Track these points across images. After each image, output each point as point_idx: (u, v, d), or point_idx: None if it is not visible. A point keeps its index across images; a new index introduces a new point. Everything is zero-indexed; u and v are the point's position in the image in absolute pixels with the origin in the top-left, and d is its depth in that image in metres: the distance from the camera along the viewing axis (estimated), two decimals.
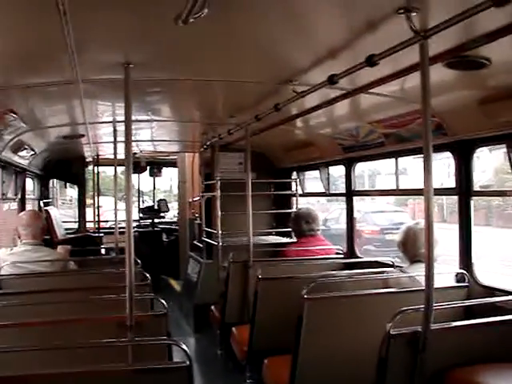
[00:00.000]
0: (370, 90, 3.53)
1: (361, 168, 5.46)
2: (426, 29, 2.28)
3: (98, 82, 3.58)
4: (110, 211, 12.58)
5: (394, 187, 5.05)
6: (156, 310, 3.83)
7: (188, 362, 2.34)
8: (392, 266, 4.80)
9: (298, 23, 2.57)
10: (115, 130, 5.45)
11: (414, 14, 2.21)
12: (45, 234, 5.32)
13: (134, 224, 11.14)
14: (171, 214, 13.62)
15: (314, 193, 7.46)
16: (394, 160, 5.01)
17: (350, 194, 5.74)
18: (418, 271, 3.82)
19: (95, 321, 3.32)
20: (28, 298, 3.99)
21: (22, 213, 5.66)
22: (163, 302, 3.34)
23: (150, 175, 12.04)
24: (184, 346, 2.42)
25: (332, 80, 3.10)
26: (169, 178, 17.52)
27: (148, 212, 11.82)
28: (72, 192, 16.40)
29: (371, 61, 2.64)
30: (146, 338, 2.90)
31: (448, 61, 2.81)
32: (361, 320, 3.55)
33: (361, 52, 2.69)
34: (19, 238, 5.32)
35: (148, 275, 4.13)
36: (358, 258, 5.75)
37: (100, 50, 2.85)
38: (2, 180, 5.51)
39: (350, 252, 5.82)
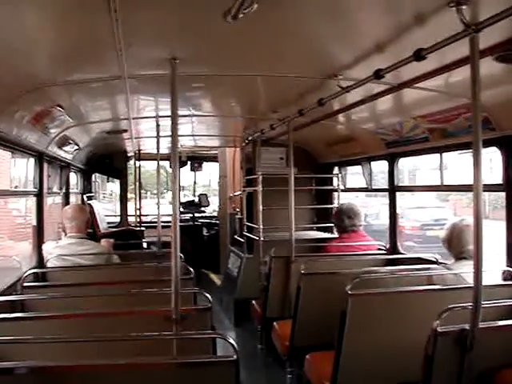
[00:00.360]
0: (416, 85, 3.48)
1: (400, 163, 5.41)
2: (476, 22, 2.23)
3: (144, 77, 3.62)
4: (147, 205, 12.73)
5: (439, 183, 4.97)
6: (199, 303, 3.87)
7: (235, 356, 2.35)
8: (436, 262, 4.74)
9: (345, 18, 2.55)
10: (158, 125, 5.50)
11: (465, 6, 2.17)
12: (89, 227, 5.41)
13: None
14: (210, 209, 13.69)
15: (356, 188, 7.40)
16: (434, 155, 4.95)
17: (392, 189, 5.68)
18: (464, 268, 3.76)
19: (139, 314, 3.36)
20: (73, 290, 4.07)
21: (67, 206, 5.76)
22: (208, 295, 3.36)
23: (191, 170, 12.10)
24: (231, 340, 2.43)
25: (378, 74, 3.07)
26: (208, 172, 17.59)
27: (189, 206, 11.88)
28: (112, 186, 16.59)
29: (419, 55, 2.60)
30: (192, 331, 2.92)
31: (498, 54, 2.75)
32: (405, 316, 3.51)
33: (408, 46, 2.66)
34: (64, 231, 5.42)
35: (191, 269, 4.16)
36: (400, 254, 5.69)
37: (147, 46, 2.88)
38: (47, 174, 5.60)
39: (393, 248, 5.76)
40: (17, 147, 4.39)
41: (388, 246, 5.81)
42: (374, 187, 6.49)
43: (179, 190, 13.23)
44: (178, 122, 3.13)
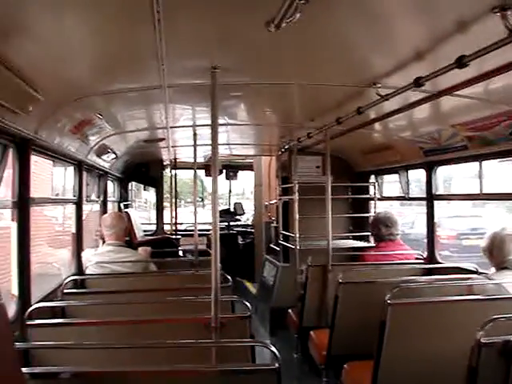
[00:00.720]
0: (455, 92, 3.44)
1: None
2: None
3: (183, 86, 3.66)
4: (180, 214, 12.80)
5: (478, 191, 4.90)
6: (236, 311, 3.88)
7: (277, 365, 2.35)
8: (475, 272, 4.67)
9: (384, 26, 2.55)
10: (195, 134, 5.54)
11: (510, 12, 2.14)
12: (127, 235, 5.46)
13: (210, 227, 11.29)
14: (245, 217, 13.71)
15: (393, 197, 7.34)
16: (472, 163, 4.90)
17: (430, 198, 5.62)
18: (506, 278, 3.70)
19: (178, 321, 3.38)
20: (111, 297, 4.12)
21: (106, 214, 5.84)
22: (247, 304, 3.36)
23: (226, 178, 12.14)
24: (273, 348, 2.43)
25: (418, 82, 3.04)
26: (241, 181, 17.62)
27: (224, 215, 11.92)
28: (147, 195, 16.73)
29: (461, 62, 2.58)
30: (231, 339, 2.93)
31: None
32: (446, 327, 3.47)
33: (448, 53, 2.63)
34: (102, 238, 5.50)
35: (229, 277, 4.17)
36: (438, 263, 5.62)
37: (188, 56, 2.91)
38: (86, 183, 5.69)
39: (431, 257, 5.69)
40: (58, 156, 4.46)
41: (426, 255, 5.75)
42: (411, 196, 6.43)
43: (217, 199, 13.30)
44: (218, 130, 3.14)
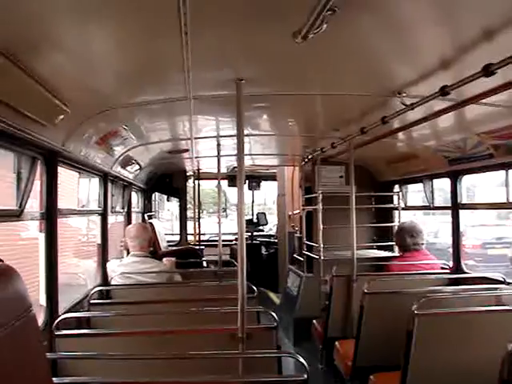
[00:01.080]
0: (481, 101, 3.42)
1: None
2: None
3: (208, 97, 3.68)
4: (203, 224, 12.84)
5: (504, 200, 4.84)
6: (261, 322, 3.88)
7: (306, 376, 2.34)
8: (503, 282, 4.61)
9: (409, 35, 2.54)
10: (219, 145, 5.57)
11: None
12: (151, 246, 5.49)
13: (233, 237, 11.31)
14: (267, 227, 13.70)
15: (418, 206, 7.29)
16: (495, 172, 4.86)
17: (455, 207, 5.56)
18: None
19: (204, 332, 3.39)
20: (137, 307, 4.14)
21: (131, 225, 5.87)
22: (273, 314, 3.35)
23: (249, 189, 12.14)
24: (302, 359, 2.42)
25: (444, 91, 3.03)
26: (263, 191, 17.63)
27: (247, 225, 11.92)
28: (169, 205, 16.80)
29: (488, 70, 2.56)
30: (258, 350, 2.92)
31: None
32: (474, 338, 3.43)
33: (475, 61, 2.62)
34: (126, 249, 5.53)
35: (255, 288, 4.17)
36: (464, 273, 5.56)
37: (213, 67, 2.93)
38: (111, 194, 5.73)
39: (457, 267, 5.63)
40: (84, 167, 4.51)
41: (451, 265, 5.69)
42: (436, 205, 6.38)
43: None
44: (244, 141, 3.15)
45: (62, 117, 3.06)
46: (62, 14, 2.04)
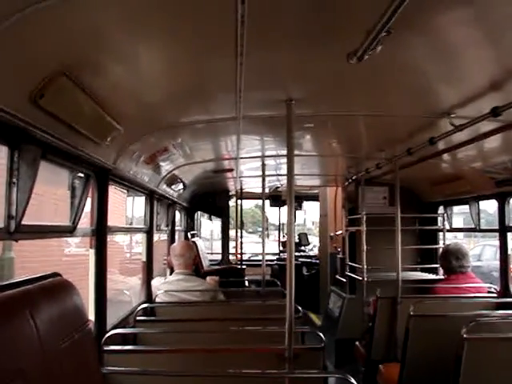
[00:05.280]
0: None
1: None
2: None
3: (257, 118, 3.72)
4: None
5: None
6: (306, 343, 3.86)
7: None
8: None
9: (459, 56, 2.54)
10: (263, 164, 5.60)
11: None
12: (195, 264, 5.53)
13: (274, 257, 11.31)
14: (307, 248, 13.66)
15: (464, 228, 7.19)
16: None
17: (503, 229, 5.46)
18: None
19: (250, 351, 3.39)
20: (181, 325, 4.18)
21: (175, 244, 5.93)
22: (321, 335, 3.34)
23: None
24: (353, 381, 2.41)
25: (495, 112, 3.00)
26: (302, 211, 17.60)
27: None
28: (209, 225, 16.90)
29: None
30: (305, 370, 2.92)
31: None
32: None
33: None
34: (170, 267, 5.58)
35: (300, 308, 4.16)
36: None
37: (265, 88, 2.97)
38: (156, 212, 5.80)
39: (504, 291, 5.51)
40: (132, 185, 4.59)
41: (499, 289, 5.57)
42: (482, 227, 6.28)
43: (280, 230, 13.28)
44: (294, 161, 3.17)
45: (114, 135, 3.13)
46: (118, 33, 2.10)
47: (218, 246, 11.04)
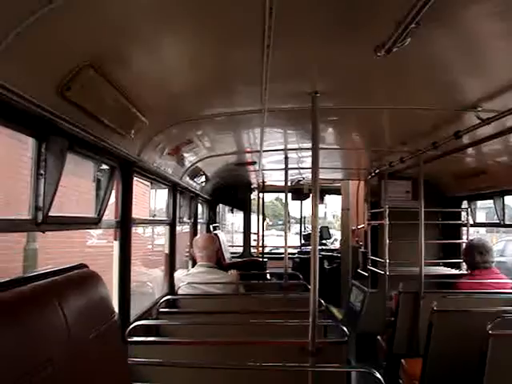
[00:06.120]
0: None
1: None
2: None
3: (281, 110, 3.71)
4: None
5: None
6: (329, 336, 3.86)
7: None
8: None
9: (487, 49, 2.51)
10: (286, 158, 5.58)
11: None
12: (218, 257, 5.54)
13: (295, 250, 11.29)
14: (329, 241, 13.63)
15: (487, 223, 7.12)
16: None
17: None
18: None
19: (272, 344, 3.39)
20: (203, 317, 4.19)
21: (198, 236, 5.95)
22: (344, 329, 3.33)
23: None
24: (378, 375, 2.40)
25: None
26: (323, 205, 17.55)
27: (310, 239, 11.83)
28: (230, 217, 16.96)
29: None
30: (327, 364, 2.91)
31: None
32: None
33: None
34: (193, 259, 5.60)
35: (323, 302, 4.15)
36: None
37: (290, 81, 2.96)
38: (179, 204, 5.82)
39: None
40: (156, 178, 4.60)
41: None
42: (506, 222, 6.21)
43: (301, 223, 13.24)
44: (318, 154, 3.15)
45: (139, 127, 3.14)
46: (145, 24, 2.11)
47: (239, 239, 11.05)
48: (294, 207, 14.56)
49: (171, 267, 5.41)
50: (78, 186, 5.19)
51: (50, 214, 2.36)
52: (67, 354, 1.54)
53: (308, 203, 11.82)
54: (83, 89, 2.22)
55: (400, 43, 1.95)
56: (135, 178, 3.93)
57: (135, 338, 3.30)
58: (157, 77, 2.76)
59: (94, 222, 3.19)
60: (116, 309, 3.54)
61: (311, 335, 2.97)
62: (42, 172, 2.30)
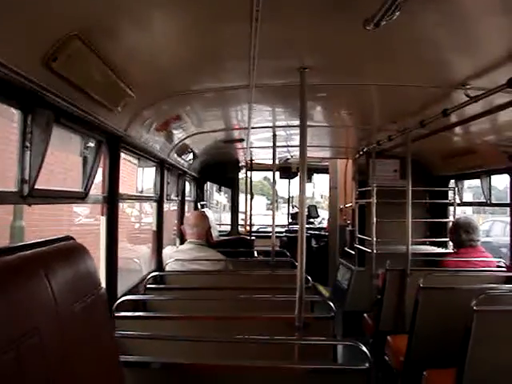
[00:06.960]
0: None
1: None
2: None
3: (269, 86, 3.68)
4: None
5: None
6: (315, 312, 3.88)
7: (367, 365, 2.34)
8: None
9: (477, 25, 2.50)
10: (274, 135, 5.57)
11: None
12: (208, 234, 5.54)
13: (283, 229, 11.32)
14: (317, 220, 13.68)
15: (474, 202, 7.18)
16: None
17: None
18: None
19: (260, 319, 3.41)
20: (190, 293, 4.21)
21: (189, 213, 5.97)
22: (331, 304, 3.36)
23: None
24: (364, 348, 2.42)
25: (511, 83, 2.96)
26: (311, 184, 17.57)
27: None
28: (217, 196, 16.96)
29: None
30: (315, 337, 2.93)
31: None
32: None
33: None
34: (182, 236, 5.60)
35: (310, 278, 4.17)
36: None
37: (278, 56, 2.93)
38: (166, 181, 5.80)
39: None
40: (143, 153, 4.58)
41: (509, 263, 5.57)
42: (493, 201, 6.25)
43: (289, 202, 13.26)
44: (306, 132, 3.14)
45: (127, 101, 3.11)
46: None
47: (226, 218, 11.04)
48: (282, 187, 14.55)
49: (159, 244, 5.41)
50: (65, 161, 5.15)
51: (36, 186, 2.34)
52: (54, 324, 1.54)
53: (296, 182, 11.84)
54: (70, 60, 2.19)
55: (389, 17, 1.93)
56: (123, 156, 3.91)
57: (122, 313, 3.31)
58: (145, 50, 2.72)
59: (81, 197, 3.17)
60: (103, 284, 3.55)
61: (298, 310, 3.00)
62: (27, 144, 2.28)
